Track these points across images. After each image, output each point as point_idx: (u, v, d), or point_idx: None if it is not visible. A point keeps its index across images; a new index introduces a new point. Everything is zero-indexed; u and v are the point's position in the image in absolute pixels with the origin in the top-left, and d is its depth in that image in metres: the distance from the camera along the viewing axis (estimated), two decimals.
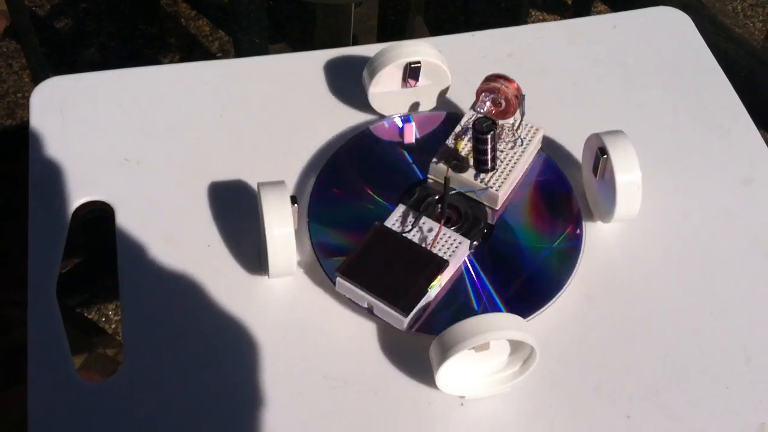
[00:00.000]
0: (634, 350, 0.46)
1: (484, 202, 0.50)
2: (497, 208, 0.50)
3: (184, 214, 0.51)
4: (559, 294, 0.47)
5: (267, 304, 0.48)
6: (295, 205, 0.46)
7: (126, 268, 0.49)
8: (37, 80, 1.21)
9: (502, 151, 0.50)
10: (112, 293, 1.19)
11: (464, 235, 0.48)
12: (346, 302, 0.47)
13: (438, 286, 0.46)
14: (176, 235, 0.50)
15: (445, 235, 0.48)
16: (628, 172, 0.47)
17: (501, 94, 0.50)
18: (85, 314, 1.17)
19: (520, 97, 0.50)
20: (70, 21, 1.51)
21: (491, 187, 0.49)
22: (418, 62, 0.52)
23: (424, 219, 0.48)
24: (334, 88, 0.57)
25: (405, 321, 0.45)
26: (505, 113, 0.51)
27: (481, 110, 0.50)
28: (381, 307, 0.45)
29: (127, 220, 0.50)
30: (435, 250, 0.47)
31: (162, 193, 0.52)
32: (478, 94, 0.51)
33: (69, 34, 1.49)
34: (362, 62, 0.57)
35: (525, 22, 1.38)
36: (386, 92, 0.54)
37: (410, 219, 0.48)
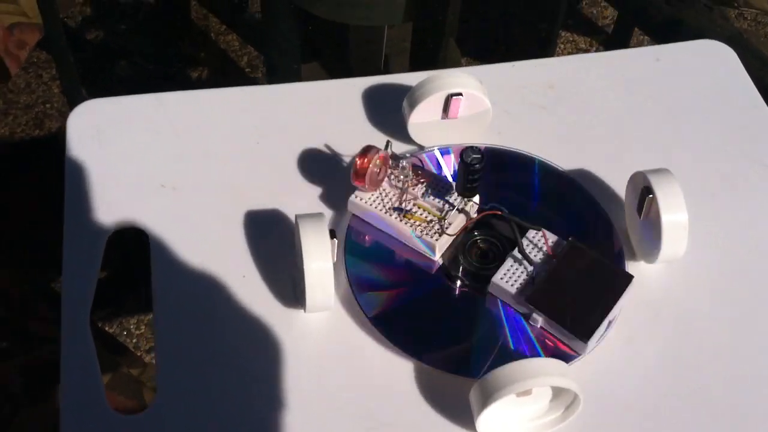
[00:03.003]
0: (679, 397, 0.45)
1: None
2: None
3: (219, 242, 0.50)
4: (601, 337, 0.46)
5: (302, 339, 0.47)
6: (334, 239, 0.45)
7: (160, 296, 0.48)
8: (68, 95, 1.21)
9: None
10: (133, 307, 1.19)
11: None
12: (382, 339, 0.46)
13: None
14: (211, 265, 0.49)
15: (547, 239, 0.47)
16: (674, 214, 0.46)
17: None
18: (107, 328, 1.16)
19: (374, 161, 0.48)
20: (101, 33, 1.52)
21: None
22: (460, 93, 0.51)
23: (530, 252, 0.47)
24: (372, 116, 0.56)
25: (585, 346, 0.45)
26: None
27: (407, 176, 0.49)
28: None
29: (162, 247, 0.50)
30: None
31: (197, 221, 0.51)
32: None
33: (99, 46, 1.50)
34: (399, 90, 0.56)
35: (556, 45, 1.37)
36: (426, 123, 0.53)
37: (522, 260, 0.47)
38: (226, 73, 1.48)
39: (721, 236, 0.51)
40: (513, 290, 0.46)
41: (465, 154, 0.46)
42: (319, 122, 0.56)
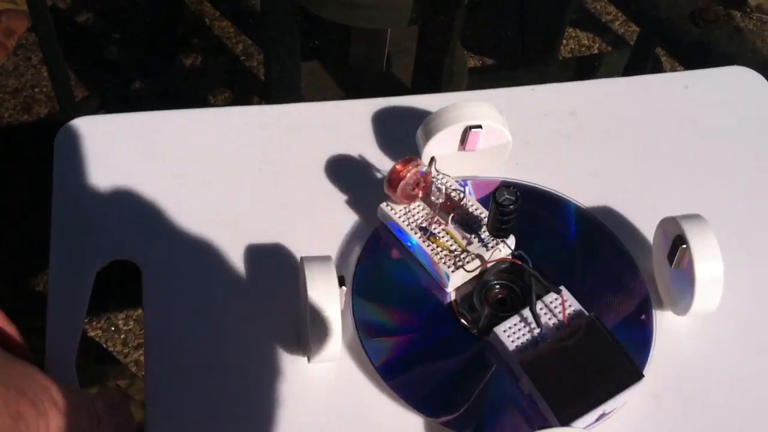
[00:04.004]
0: None
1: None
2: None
3: (218, 281, 0.46)
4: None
5: (304, 389, 0.43)
6: (343, 287, 0.42)
7: (153, 338, 0.45)
8: (54, 79, 1.16)
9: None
10: (121, 303, 1.16)
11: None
12: (389, 392, 0.43)
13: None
14: (210, 306, 0.46)
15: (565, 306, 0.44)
16: (710, 267, 0.43)
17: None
18: (95, 323, 1.13)
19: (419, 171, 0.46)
20: (91, 16, 1.47)
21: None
22: (479, 126, 0.48)
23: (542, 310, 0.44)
24: (384, 142, 0.53)
25: None
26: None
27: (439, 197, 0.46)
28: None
29: (155, 283, 0.46)
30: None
31: (195, 255, 0.47)
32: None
33: (89, 30, 1.45)
34: (413, 114, 0.53)
35: (561, 44, 1.33)
36: (441, 154, 0.49)
37: (529, 320, 0.43)
38: (220, 61, 1.44)
39: (757, 286, 0.48)
40: (511, 347, 0.42)
41: (498, 193, 0.43)
42: (326, 149, 0.52)
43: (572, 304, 0.44)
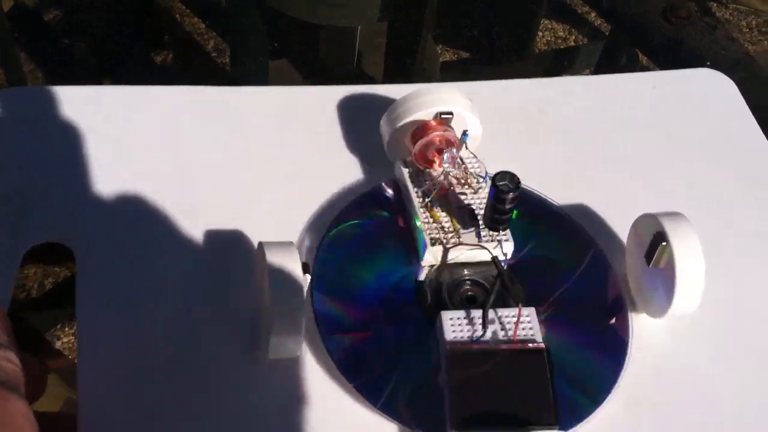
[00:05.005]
0: None
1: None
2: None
3: (162, 269, 0.43)
4: (603, 404, 0.40)
5: (260, 387, 0.40)
6: (307, 275, 0.38)
7: (86, 332, 0.40)
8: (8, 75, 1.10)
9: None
10: None
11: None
12: (352, 391, 0.40)
13: None
14: (151, 296, 0.42)
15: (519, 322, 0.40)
16: (692, 265, 0.41)
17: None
18: (67, 329, 1.05)
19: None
20: (59, 14, 1.41)
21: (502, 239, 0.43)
22: (450, 112, 0.45)
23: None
24: (346, 130, 0.50)
25: None
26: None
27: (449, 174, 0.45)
28: None
29: (90, 270, 0.42)
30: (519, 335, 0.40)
31: (136, 241, 0.43)
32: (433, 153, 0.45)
33: (57, 27, 1.39)
34: (380, 101, 0.50)
35: (536, 38, 1.31)
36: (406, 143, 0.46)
37: (476, 319, 0.40)
38: (191, 58, 1.39)
39: (727, 289, 0.46)
40: (449, 336, 0.39)
41: (499, 176, 0.41)
42: (286, 135, 0.49)
43: (529, 326, 0.40)
